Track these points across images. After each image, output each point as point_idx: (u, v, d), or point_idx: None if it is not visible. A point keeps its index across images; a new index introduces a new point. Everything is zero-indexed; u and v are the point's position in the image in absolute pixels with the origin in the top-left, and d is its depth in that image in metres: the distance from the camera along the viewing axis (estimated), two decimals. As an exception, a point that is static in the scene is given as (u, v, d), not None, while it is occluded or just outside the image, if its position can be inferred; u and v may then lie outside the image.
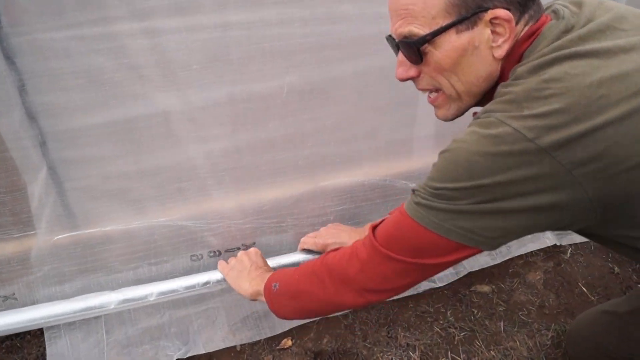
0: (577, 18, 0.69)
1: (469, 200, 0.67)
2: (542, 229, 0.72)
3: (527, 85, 0.65)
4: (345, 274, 0.83)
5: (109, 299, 1.14)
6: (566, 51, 0.65)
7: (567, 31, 0.68)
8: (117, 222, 1.14)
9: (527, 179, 0.63)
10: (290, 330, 1.33)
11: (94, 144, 1.03)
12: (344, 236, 1.19)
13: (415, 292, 1.42)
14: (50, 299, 1.17)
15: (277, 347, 1.30)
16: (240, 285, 1.07)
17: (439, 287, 1.44)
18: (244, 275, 1.08)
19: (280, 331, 1.32)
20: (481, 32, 0.69)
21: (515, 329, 1.34)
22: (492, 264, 1.50)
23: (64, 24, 0.88)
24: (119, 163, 1.07)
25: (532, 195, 0.65)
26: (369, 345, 1.31)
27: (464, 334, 1.33)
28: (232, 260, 1.17)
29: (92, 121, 1.00)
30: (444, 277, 1.45)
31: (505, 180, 0.64)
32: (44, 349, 1.23)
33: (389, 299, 0.93)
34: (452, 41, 0.70)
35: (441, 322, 1.36)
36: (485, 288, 1.46)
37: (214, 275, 1.19)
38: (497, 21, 0.68)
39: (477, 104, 0.78)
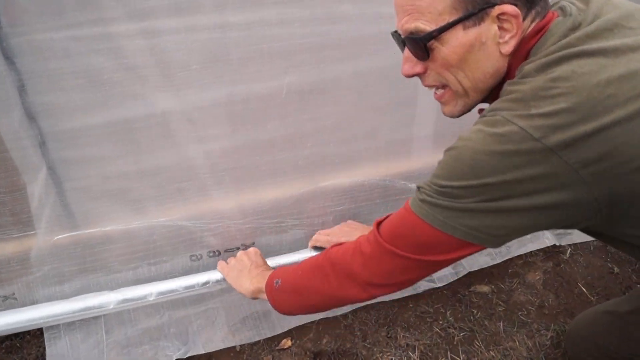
0: (584, 15, 0.69)
1: (474, 199, 0.67)
2: (547, 227, 0.72)
3: (534, 84, 0.64)
4: (349, 268, 0.84)
5: (108, 299, 1.15)
6: (574, 49, 0.65)
7: (574, 28, 0.68)
8: (116, 222, 1.14)
9: (533, 178, 0.63)
10: (290, 330, 1.33)
11: (93, 144, 1.03)
12: (357, 235, 1.19)
13: (414, 293, 1.42)
14: (49, 299, 1.17)
15: (277, 348, 1.30)
16: (241, 284, 1.07)
17: (439, 288, 1.44)
18: (245, 273, 1.09)
19: (279, 331, 1.32)
20: (488, 28, 0.69)
21: (515, 329, 1.34)
22: (491, 264, 1.50)
23: (63, 24, 0.88)
24: (119, 163, 1.07)
25: (538, 194, 0.65)
26: (368, 346, 1.31)
27: (464, 334, 1.33)
28: (231, 260, 1.17)
29: (92, 121, 1.00)
30: (444, 277, 1.45)
31: (511, 179, 0.64)
32: (44, 349, 1.23)
33: (392, 294, 0.93)
34: (459, 37, 0.70)
35: (441, 322, 1.36)
36: (485, 288, 1.46)
37: (214, 275, 1.19)
38: (504, 17, 0.68)
39: (483, 100, 0.78)
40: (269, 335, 1.31)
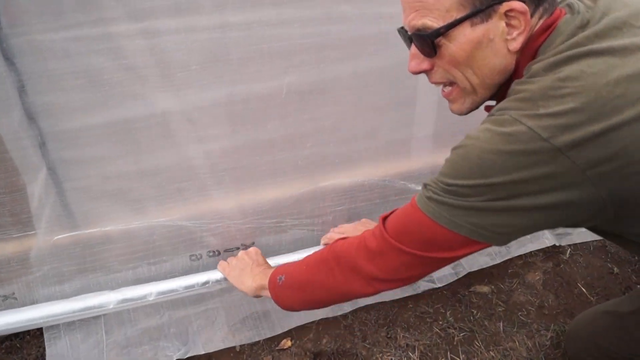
0: (592, 12, 0.68)
1: (481, 198, 0.67)
2: (553, 225, 0.72)
3: (542, 84, 0.64)
4: (354, 262, 0.83)
5: (108, 299, 1.15)
6: (582, 49, 0.64)
7: (582, 27, 0.67)
8: (116, 222, 1.14)
9: (540, 177, 0.63)
10: (290, 330, 1.33)
11: (93, 144, 1.03)
12: None
13: (414, 293, 1.42)
14: (49, 298, 1.17)
15: (277, 348, 1.30)
16: (243, 282, 1.07)
17: (439, 288, 1.44)
18: (247, 272, 1.09)
19: (279, 332, 1.32)
20: (496, 25, 0.69)
21: (515, 330, 1.34)
22: (491, 264, 1.50)
23: (63, 24, 0.88)
24: (119, 163, 1.07)
25: (544, 194, 0.65)
26: (368, 346, 1.31)
27: (464, 335, 1.33)
28: (232, 260, 1.17)
29: (92, 121, 1.00)
30: (444, 278, 1.45)
31: (518, 178, 0.64)
32: (44, 349, 1.23)
33: (396, 289, 0.93)
34: (467, 34, 0.69)
35: (440, 322, 1.36)
36: (485, 288, 1.46)
37: (214, 275, 1.19)
38: (512, 13, 0.67)
39: (491, 98, 0.78)
40: (268, 336, 1.31)
